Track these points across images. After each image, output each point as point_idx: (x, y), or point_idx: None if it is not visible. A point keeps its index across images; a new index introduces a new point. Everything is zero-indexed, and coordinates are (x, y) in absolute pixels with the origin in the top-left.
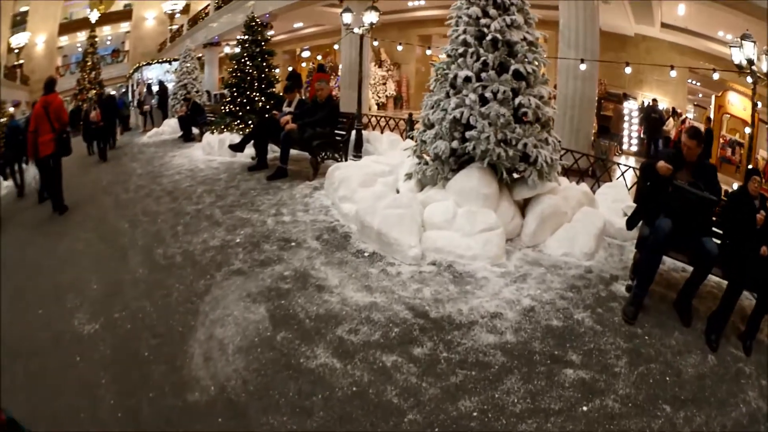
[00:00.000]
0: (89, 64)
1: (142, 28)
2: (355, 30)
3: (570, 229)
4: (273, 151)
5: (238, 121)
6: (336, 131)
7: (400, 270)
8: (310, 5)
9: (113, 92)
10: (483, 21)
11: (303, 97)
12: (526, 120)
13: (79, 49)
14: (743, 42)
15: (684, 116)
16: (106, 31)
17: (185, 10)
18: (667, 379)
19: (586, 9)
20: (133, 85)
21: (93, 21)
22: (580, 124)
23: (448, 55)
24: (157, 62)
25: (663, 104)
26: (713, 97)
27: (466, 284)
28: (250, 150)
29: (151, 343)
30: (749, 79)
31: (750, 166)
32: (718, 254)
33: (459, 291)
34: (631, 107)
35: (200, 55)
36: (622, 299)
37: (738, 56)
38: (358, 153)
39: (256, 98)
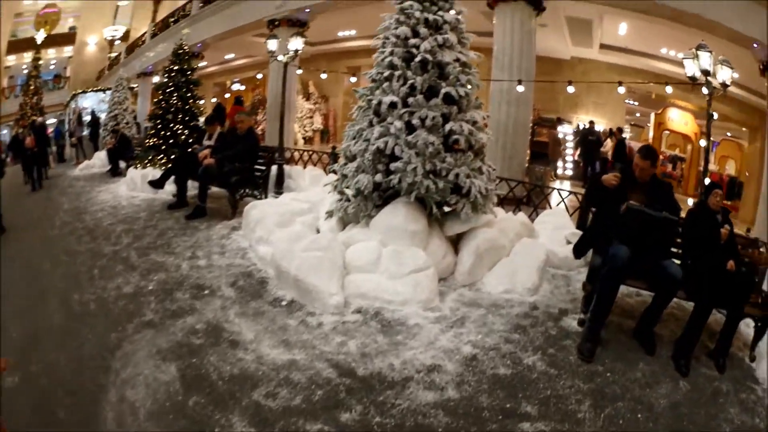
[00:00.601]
0: (32, 88)
1: (84, 54)
2: (279, 58)
3: (509, 263)
4: (194, 188)
5: (161, 156)
6: (256, 166)
7: (321, 320)
8: (242, 36)
9: (42, 120)
10: (412, 41)
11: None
12: (458, 148)
13: (25, 71)
14: (699, 53)
15: (623, 135)
16: (50, 54)
17: (125, 37)
18: (639, 416)
19: (522, 32)
20: (69, 114)
21: (39, 41)
22: (514, 150)
23: (373, 80)
24: (93, 91)
25: (600, 126)
26: (652, 114)
27: (397, 334)
28: (172, 186)
29: (65, 402)
30: (705, 91)
31: (708, 180)
32: (681, 277)
33: (389, 342)
34: (565, 131)
35: (134, 85)
36: (575, 335)
37: (691, 68)
38: (279, 189)
39: (179, 131)
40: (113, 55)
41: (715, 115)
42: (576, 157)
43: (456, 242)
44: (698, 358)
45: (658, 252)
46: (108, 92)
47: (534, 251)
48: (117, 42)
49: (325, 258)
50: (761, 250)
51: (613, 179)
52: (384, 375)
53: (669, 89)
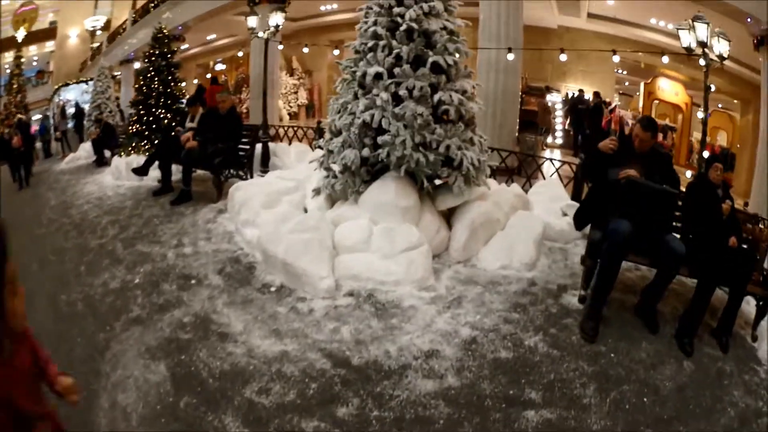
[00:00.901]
0: (15, 86)
1: (66, 47)
2: (260, 34)
3: (505, 237)
4: (179, 172)
5: (145, 141)
6: (240, 146)
7: (312, 306)
8: (222, 15)
9: (26, 118)
10: (397, 10)
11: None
12: (448, 119)
13: (7, 71)
14: (695, 24)
15: (612, 105)
16: (32, 51)
17: (106, 26)
18: (645, 399)
19: (509, 4)
20: (53, 108)
21: (20, 40)
22: (504, 119)
23: (357, 51)
24: (75, 82)
25: (589, 95)
26: (642, 84)
27: (392, 317)
28: (157, 172)
29: (60, 410)
30: (702, 62)
31: (706, 153)
32: (684, 252)
33: (384, 327)
34: (554, 100)
35: (117, 73)
36: (577, 313)
37: (687, 39)
38: (265, 168)
39: (162, 115)
40: (95, 45)
41: (713, 87)
42: (567, 126)
43: (448, 217)
44: (701, 337)
45: (659, 226)
46: (90, 83)
47: (530, 224)
48: (98, 32)
49: (314, 239)
50: (761, 226)
51: (611, 144)
52: (380, 363)
53: (665, 59)
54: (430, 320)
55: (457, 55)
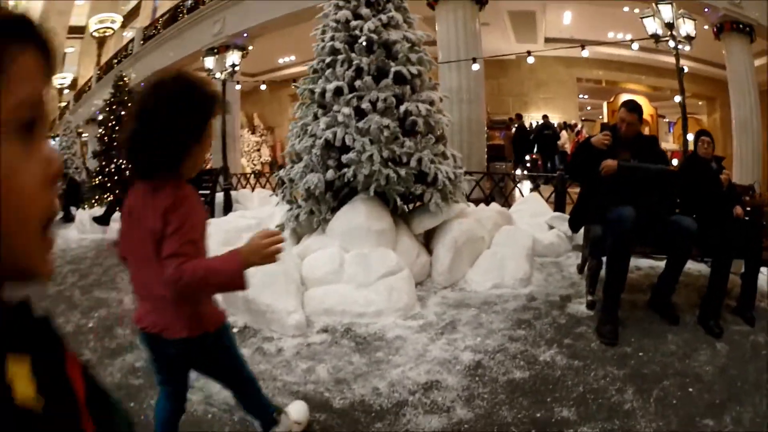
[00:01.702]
0: None
1: None
2: (217, 75)
3: (493, 255)
4: None
5: (108, 194)
6: (200, 191)
7: (281, 345)
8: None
9: None
10: (354, 23)
11: None
12: (417, 131)
13: None
14: (659, 6)
15: (578, 127)
16: None
17: (73, 84)
18: (691, 390)
19: (467, 30)
20: None
21: None
22: (472, 149)
23: (315, 71)
24: None
25: (554, 121)
26: (605, 104)
27: (376, 350)
28: (119, 224)
29: None
30: (671, 44)
31: (690, 135)
32: (696, 229)
33: (368, 362)
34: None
35: (82, 131)
36: (588, 320)
37: (652, 26)
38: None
39: (123, 166)
40: (62, 104)
41: (686, 68)
42: (533, 155)
43: (427, 241)
44: (724, 317)
45: (663, 209)
46: (57, 139)
47: (518, 239)
48: (65, 91)
49: (277, 272)
50: (759, 193)
51: (605, 139)
52: (369, 403)
53: (635, 46)
54: (422, 349)
55: (421, 66)
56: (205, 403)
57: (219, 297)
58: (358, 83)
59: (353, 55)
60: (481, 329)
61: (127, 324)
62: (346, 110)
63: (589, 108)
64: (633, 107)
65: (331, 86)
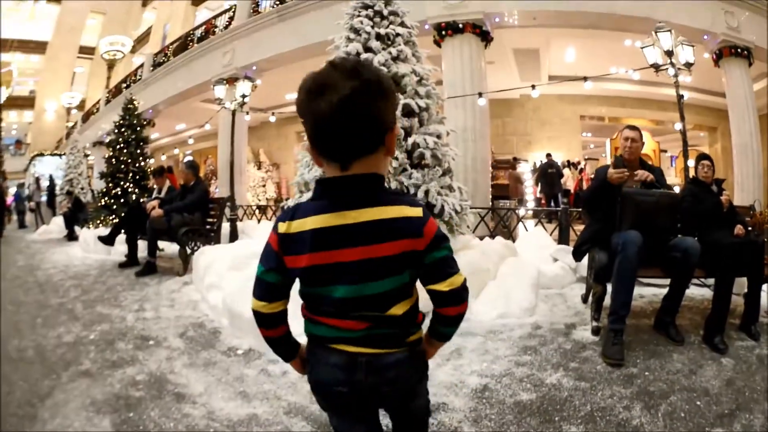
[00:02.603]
0: None
1: (43, 121)
2: (227, 105)
3: (499, 286)
4: (146, 248)
5: (113, 215)
6: (206, 219)
7: (286, 368)
8: (191, 100)
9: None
10: (364, 56)
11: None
12: (424, 163)
13: None
14: (658, 35)
15: (581, 165)
16: (12, 117)
17: (81, 105)
18: (698, 403)
19: (473, 66)
20: (29, 179)
21: (1, 101)
22: (477, 187)
23: None
24: (50, 154)
25: (558, 158)
26: (608, 141)
27: None
28: (123, 246)
29: None
30: (670, 72)
31: (691, 161)
32: (700, 249)
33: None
34: (523, 170)
35: (89, 152)
36: (594, 345)
37: (653, 55)
38: None
39: (130, 190)
40: (70, 124)
41: (686, 95)
42: (537, 194)
43: None
44: (728, 335)
45: (668, 232)
46: (64, 157)
47: (524, 269)
48: (74, 111)
49: None
50: (760, 211)
51: (621, 175)
52: None
53: (636, 76)
54: (428, 374)
55: (429, 100)
56: (208, 419)
57: (226, 320)
58: None
59: None
60: (487, 355)
61: (129, 339)
62: None
63: (592, 146)
64: (633, 126)
65: None
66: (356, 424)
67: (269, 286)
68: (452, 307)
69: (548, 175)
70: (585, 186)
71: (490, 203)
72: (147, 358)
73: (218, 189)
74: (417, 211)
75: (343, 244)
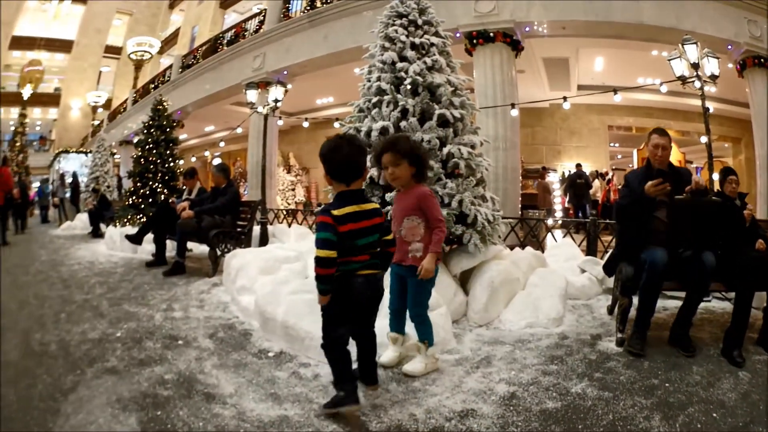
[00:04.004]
0: (18, 144)
1: (68, 118)
2: (259, 109)
3: (528, 295)
4: (174, 247)
5: (141, 215)
6: (237, 222)
7: (318, 372)
8: (220, 104)
9: (27, 179)
10: (400, 65)
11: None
12: (458, 173)
13: (11, 128)
14: (684, 47)
15: (609, 176)
16: (36, 114)
17: (107, 104)
18: (715, 415)
19: (503, 74)
20: (53, 175)
21: (26, 98)
22: (507, 196)
23: (360, 110)
24: (75, 152)
25: (586, 168)
26: (635, 151)
27: (412, 381)
28: (151, 246)
29: None
30: (696, 84)
31: (716, 175)
32: (714, 265)
33: (404, 390)
34: (551, 180)
35: (115, 151)
36: (618, 356)
37: (679, 67)
38: None
39: (158, 189)
40: (96, 122)
41: (711, 108)
42: (566, 204)
43: (463, 282)
44: (746, 348)
45: (704, 243)
46: (90, 155)
47: (553, 280)
48: (99, 110)
49: None
50: None
51: (658, 188)
52: (405, 427)
53: (664, 88)
54: (458, 381)
55: (463, 110)
56: (238, 419)
57: (257, 323)
58: (403, 124)
59: (399, 96)
60: (516, 364)
61: (157, 339)
62: None
63: (620, 156)
64: (662, 131)
65: (377, 126)
66: (347, 322)
67: (331, 242)
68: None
69: (577, 185)
70: (612, 197)
71: (520, 213)
72: (176, 358)
73: (247, 191)
74: (377, 205)
75: (362, 219)
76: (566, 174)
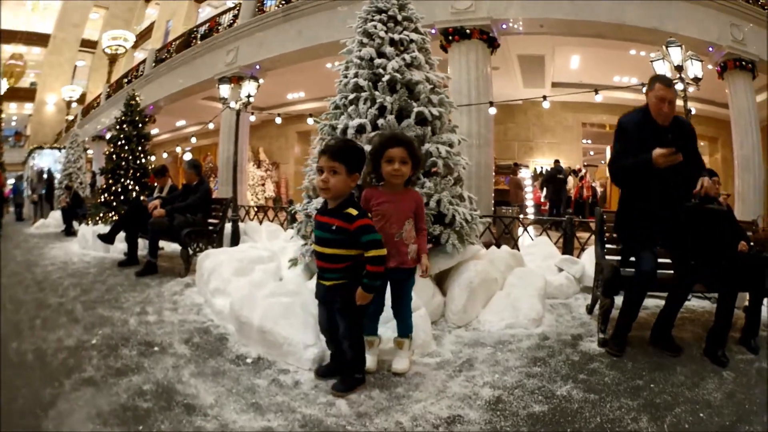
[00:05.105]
0: None
1: (43, 113)
2: (231, 105)
3: (507, 296)
4: (146, 246)
5: (112, 212)
6: (209, 220)
7: (298, 378)
8: (192, 99)
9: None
10: (378, 61)
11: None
12: (436, 172)
13: None
14: (669, 49)
15: (582, 172)
16: (12, 109)
17: (81, 99)
18: (702, 415)
19: (478, 71)
20: (27, 172)
21: (2, 92)
22: (481, 193)
23: (336, 107)
24: (49, 148)
25: (565, 165)
26: (608, 148)
27: (396, 386)
28: (123, 245)
29: None
30: (679, 86)
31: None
32: (698, 270)
33: (388, 396)
34: (523, 176)
35: (88, 146)
36: (600, 357)
37: (662, 69)
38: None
39: (130, 187)
40: (70, 117)
41: (693, 110)
42: (542, 199)
43: (439, 282)
44: (728, 348)
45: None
46: (63, 151)
47: (531, 280)
48: (74, 104)
49: (295, 304)
50: (762, 227)
51: (673, 158)
52: None
53: (645, 88)
54: (441, 386)
55: (442, 108)
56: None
57: (233, 327)
58: (381, 122)
59: (377, 93)
60: (498, 367)
61: (133, 345)
62: (369, 148)
63: (592, 153)
64: (669, 82)
65: (353, 123)
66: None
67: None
68: None
69: (556, 181)
70: (585, 193)
71: (493, 209)
72: (153, 366)
73: (218, 187)
74: None
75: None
76: (538, 170)
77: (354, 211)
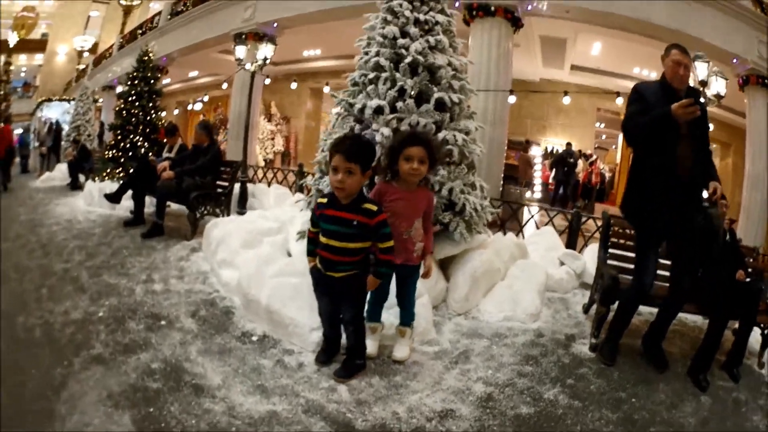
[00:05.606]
0: (1, 93)
1: (54, 64)
2: (247, 66)
3: (508, 287)
4: (153, 204)
5: (120, 169)
6: (218, 183)
7: (302, 360)
8: (206, 51)
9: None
10: (401, 42)
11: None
12: (451, 160)
13: None
14: (696, 63)
15: (593, 157)
16: (22, 60)
17: (93, 49)
18: None
19: (500, 50)
20: (35, 123)
21: (11, 45)
22: (490, 172)
23: (355, 84)
24: (58, 100)
25: (576, 148)
26: (620, 135)
27: (395, 374)
28: (129, 202)
29: None
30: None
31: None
32: (693, 291)
33: (387, 385)
34: (534, 154)
35: (98, 97)
36: (590, 362)
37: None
38: (243, 209)
39: (139, 143)
40: (81, 67)
41: (710, 127)
42: (550, 180)
43: (443, 267)
44: (711, 371)
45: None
46: (72, 103)
47: (533, 273)
48: (85, 54)
49: (303, 285)
50: (762, 254)
51: (692, 109)
52: (389, 427)
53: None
54: (438, 377)
55: (462, 95)
56: (229, 415)
57: (239, 301)
58: (399, 104)
59: (398, 75)
60: (492, 362)
61: (140, 318)
62: (386, 131)
63: (603, 137)
64: (684, 48)
65: (372, 103)
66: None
67: None
68: None
69: (567, 164)
70: (594, 179)
71: (501, 187)
72: (161, 342)
73: (225, 142)
74: None
75: None
76: (549, 149)
77: (373, 207)
